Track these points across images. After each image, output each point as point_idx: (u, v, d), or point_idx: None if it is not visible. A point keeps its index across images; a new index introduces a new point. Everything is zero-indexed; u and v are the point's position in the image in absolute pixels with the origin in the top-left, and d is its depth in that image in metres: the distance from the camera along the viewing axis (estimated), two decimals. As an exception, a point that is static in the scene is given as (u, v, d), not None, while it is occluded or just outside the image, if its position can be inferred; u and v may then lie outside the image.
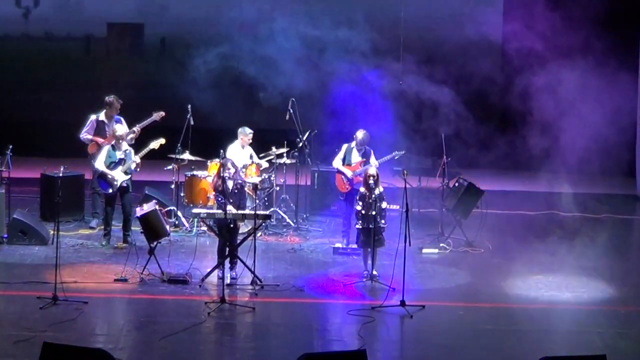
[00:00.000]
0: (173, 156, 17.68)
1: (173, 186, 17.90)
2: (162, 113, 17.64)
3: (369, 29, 19.72)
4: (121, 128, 16.77)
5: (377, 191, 14.96)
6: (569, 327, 13.64)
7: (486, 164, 21.08)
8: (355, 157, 16.74)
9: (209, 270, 14.94)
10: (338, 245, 16.62)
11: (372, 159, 16.65)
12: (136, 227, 15.99)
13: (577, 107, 18.58)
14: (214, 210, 15.10)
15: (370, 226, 14.92)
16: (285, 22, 19.60)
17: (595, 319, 13.95)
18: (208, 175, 17.32)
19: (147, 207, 15.31)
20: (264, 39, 19.92)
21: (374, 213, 14.85)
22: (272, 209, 17.68)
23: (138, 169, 16.63)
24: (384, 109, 18.19)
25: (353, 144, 16.83)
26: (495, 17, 21.38)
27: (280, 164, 18.13)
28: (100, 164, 16.50)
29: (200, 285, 14.68)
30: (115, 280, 14.77)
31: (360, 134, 16.72)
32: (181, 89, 19.34)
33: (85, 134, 17.50)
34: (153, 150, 16.85)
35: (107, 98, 17.57)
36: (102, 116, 17.54)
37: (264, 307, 14.01)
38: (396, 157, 16.89)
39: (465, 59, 20.71)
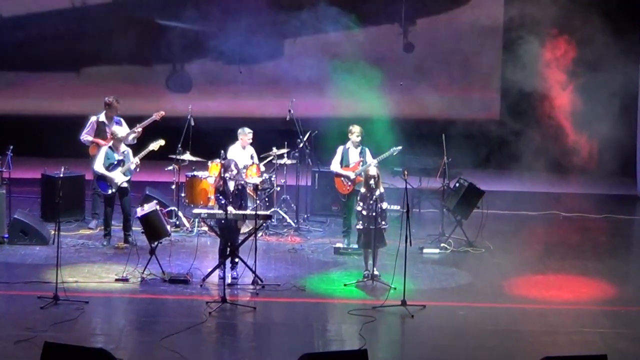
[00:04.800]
0: (174, 157, 17.69)
1: (174, 187, 17.91)
2: (163, 112, 17.64)
3: (369, 27, 19.78)
4: (120, 130, 16.76)
5: (377, 192, 14.96)
6: (569, 327, 13.61)
7: (486, 164, 21.11)
8: (354, 157, 16.71)
9: (209, 270, 14.95)
10: (339, 245, 16.63)
11: (369, 157, 16.60)
12: (137, 227, 15.99)
13: (577, 106, 18.60)
14: (215, 211, 15.12)
15: (371, 227, 14.92)
16: (284, 21, 19.63)
17: (595, 319, 13.95)
18: (209, 175, 17.33)
19: (148, 208, 15.31)
20: (262, 37, 19.97)
21: (374, 214, 14.85)
22: (272, 209, 17.68)
23: (138, 169, 16.62)
24: (384, 107, 18.18)
25: (348, 144, 16.79)
26: (496, 8, 21.37)
27: (280, 164, 18.14)
28: (99, 166, 16.49)
29: (201, 285, 14.68)
30: (116, 280, 14.78)
31: (355, 127, 16.67)
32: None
33: (85, 136, 17.50)
34: (153, 151, 16.84)
35: (106, 99, 17.56)
36: (102, 117, 17.53)
37: (264, 306, 14.01)
38: (394, 154, 16.83)
39: (465, 55, 20.73)
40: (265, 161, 17.93)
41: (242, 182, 15.29)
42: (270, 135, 18.05)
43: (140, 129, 17.36)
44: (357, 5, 20.54)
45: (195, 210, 15.86)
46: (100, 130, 17.46)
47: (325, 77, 19.03)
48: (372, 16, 21.24)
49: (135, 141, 17.27)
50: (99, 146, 17.21)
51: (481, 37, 20.45)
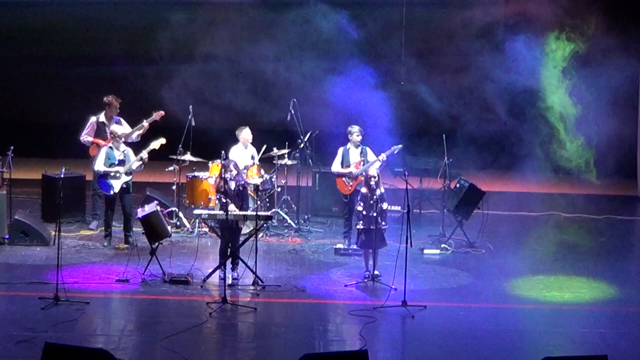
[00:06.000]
0: (174, 157, 17.68)
1: (174, 187, 17.91)
2: (162, 112, 17.61)
3: (370, 26, 19.76)
4: (119, 128, 16.74)
5: (378, 192, 14.98)
6: (570, 328, 13.62)
7: (487, 164, 21.09)
8: (355, 157, 16.72)
9: (210, 270, 14.96)
10: (339, 246, 16.64)
11: (371, 156, 16.59)
12: (138, 228, 16.00)
13: (578, 106, 18.58)
14: (216, 211, 15.12)
15: (372, 227, 14.92)
16: (284, 19, 19.61)
17: (596, 319, 13.96)
18: (209, 176, 17.33)
19: (149, 208, 15.32)
20: (264, 37, 19.95)
21: (375, 214, 14.86)
22: (273, 210, 17.69)
23: (143, 167, 16.60)
24: (385, 108, 18.18)
25: (349, 145, 16.81)
26: (496, 6, 21.33)
27: (281, 165, 18.14)
28: (100, 165, 16.47)
29: (201, 286, 14.69)
30: (117, 280, 14.78)
31: (354, 127, 16.69)
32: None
33: (85, 136, 17.47)
34: (154, 150, 16.81)
35: (105, 98, 17.52)
36: (102, 117, 17.50)
37: (265, 307, 14.02)
38: (395, 152, 16.82)
39: (464, 54, 20.69)
40: (262, 155, 17.81)
41: (243, 183, 15.29)
42: (269, 136, 18.07)
43: (147, 125, 17.29)
44: (357, 5, 20.53)
45: (196, 211, 15.85)
46: (100, 131, 17.43)
47: (325, 77, 19.02)
48: (372, 16, 21.23)
49: (140, 138, 17.22)
50: (99, 147, 17.18)
51: (481, 35, 20.43)
